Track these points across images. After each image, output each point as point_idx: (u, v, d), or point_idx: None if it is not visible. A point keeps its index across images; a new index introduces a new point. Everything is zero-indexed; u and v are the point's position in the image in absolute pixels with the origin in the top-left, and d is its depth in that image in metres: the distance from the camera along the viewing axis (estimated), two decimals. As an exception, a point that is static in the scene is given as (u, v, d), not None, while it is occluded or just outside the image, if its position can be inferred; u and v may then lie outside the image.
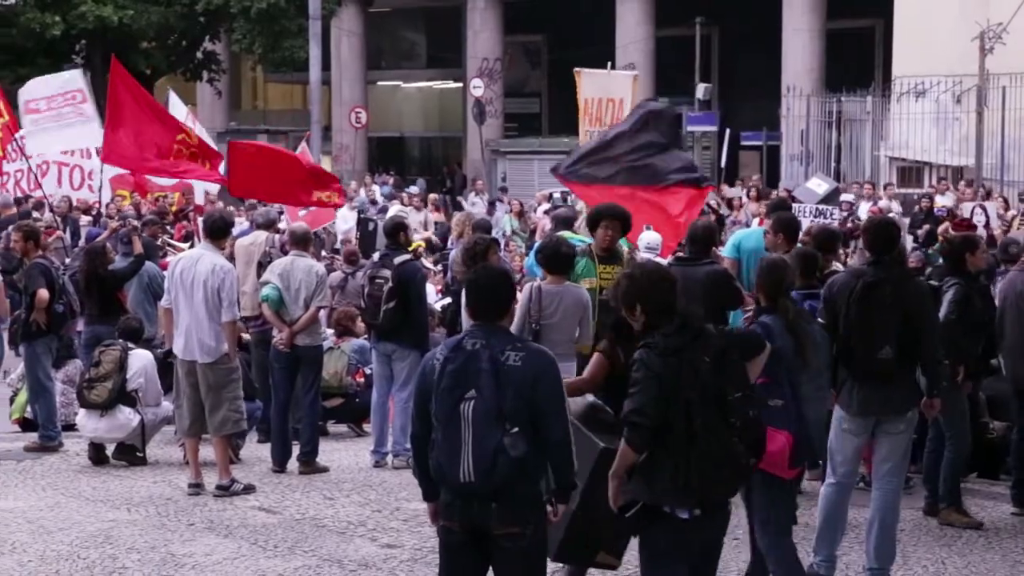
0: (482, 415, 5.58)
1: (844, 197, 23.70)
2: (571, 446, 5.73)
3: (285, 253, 11.88)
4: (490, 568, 5.84)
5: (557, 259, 9.45)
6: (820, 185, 22.91)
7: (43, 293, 11.64)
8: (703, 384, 5.64)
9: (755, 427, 5.83)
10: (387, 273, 11.11)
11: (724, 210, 24.22)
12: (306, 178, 16.10)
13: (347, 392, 13.05)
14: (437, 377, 5.69)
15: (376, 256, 12.06)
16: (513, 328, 9.16)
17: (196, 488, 10.25)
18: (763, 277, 7.41)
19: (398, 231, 11.63)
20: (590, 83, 16.65)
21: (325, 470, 10.92)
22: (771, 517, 7.03)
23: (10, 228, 14.38)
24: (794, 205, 18.16)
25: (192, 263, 10.26)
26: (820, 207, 18.17)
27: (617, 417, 6.61)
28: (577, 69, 16.72)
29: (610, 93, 16.61)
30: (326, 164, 38.33)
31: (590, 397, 7.48)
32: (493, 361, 5.61)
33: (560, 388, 5.72)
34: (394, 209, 24.47)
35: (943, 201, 23.61)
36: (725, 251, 11.23)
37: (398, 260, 11.15)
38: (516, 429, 5.57)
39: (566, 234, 13.24)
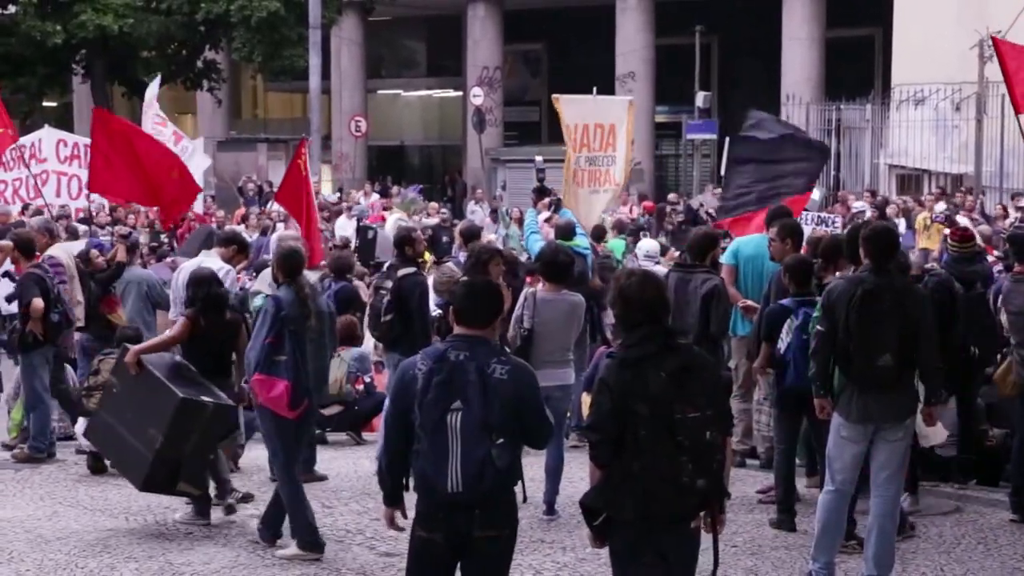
0: (470, 426, 5.61)
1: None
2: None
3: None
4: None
5: (555, 267, 9.44)
6: (816, 191, 22.93)
7: (37, 302, 11.52)
8: (652, 398, 5.55)
9: (709, 449, 5.59)
10: (391, 284, 11.09)
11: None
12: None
13: (346, 400, 13.02)
14: (421, 388, 5.69)
15: (385, 267, 12.09)
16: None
17: (195, 497, 10.21)
18: (280, 261, 8.78)
19: (404, 243, 11.48)
20: (571, 110, 16.04)
21: (324, 479, 10.88)
22: (275, 449, 8.69)
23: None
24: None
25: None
26: (822, 215, 18.14)
27: (197, 372, 9.24)
28: (555, 96, 16.02)
29: (598, 119, 16.04)
30: (326, 173, 38.39)
31: (177, 356, 9.46)
32: (480, 373, 5.64)
33: (540, 401, 5.85)
34: (392, 218, 24.38)
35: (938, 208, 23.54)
36: (724, 258, 11.22)
37: (400, 273, 11.12)
38: (502, 440, 5.63)
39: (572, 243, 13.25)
